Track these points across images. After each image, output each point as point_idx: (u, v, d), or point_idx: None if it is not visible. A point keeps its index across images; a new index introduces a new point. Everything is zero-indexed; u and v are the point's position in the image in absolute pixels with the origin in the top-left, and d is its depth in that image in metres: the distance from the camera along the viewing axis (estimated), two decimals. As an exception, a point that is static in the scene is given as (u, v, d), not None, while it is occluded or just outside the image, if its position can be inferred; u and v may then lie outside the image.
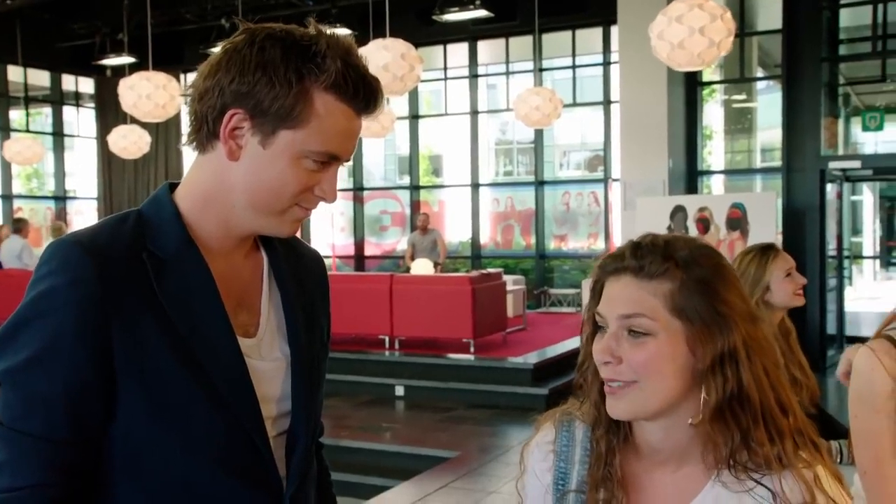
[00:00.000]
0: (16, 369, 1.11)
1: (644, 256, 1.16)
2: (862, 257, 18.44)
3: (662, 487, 1.21)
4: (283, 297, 1.31)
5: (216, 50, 1.20)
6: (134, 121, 9.77)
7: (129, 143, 10.43)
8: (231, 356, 1.19)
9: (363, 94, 1.18)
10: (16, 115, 14.70)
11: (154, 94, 8.01)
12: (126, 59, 12.03)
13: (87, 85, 15.20)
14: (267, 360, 1.26)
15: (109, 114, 13.78)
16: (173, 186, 1.26)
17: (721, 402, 1.13)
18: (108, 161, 14.50)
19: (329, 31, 1.18)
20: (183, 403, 1.15)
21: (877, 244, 20.15)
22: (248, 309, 1.27)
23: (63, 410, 1.11)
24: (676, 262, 1.15)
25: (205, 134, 1.19)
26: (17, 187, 15.12)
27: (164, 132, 13.40)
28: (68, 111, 15.31)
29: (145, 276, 1.15)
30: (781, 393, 1.17)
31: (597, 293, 1.21)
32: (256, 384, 1.21)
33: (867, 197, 19.17)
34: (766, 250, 2.73)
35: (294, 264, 1.35)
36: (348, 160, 1.22)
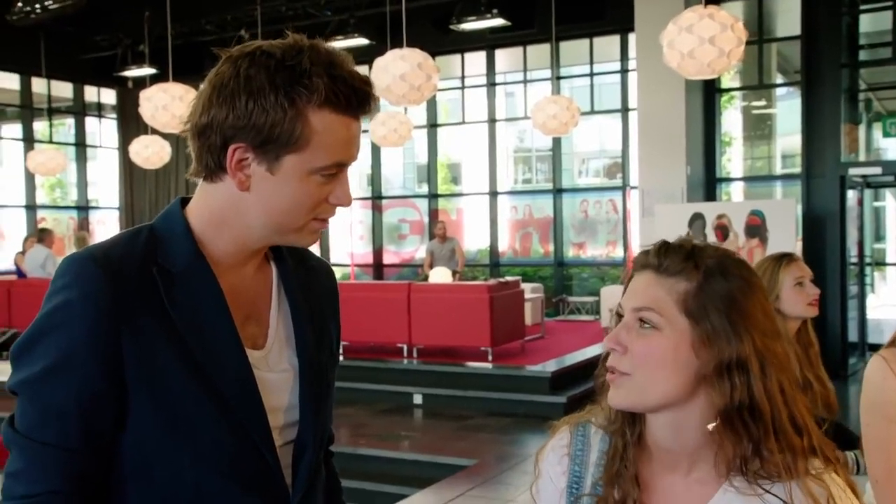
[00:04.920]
0: (32, 380, 1.15)
1: (667, 255, 1.20)
2: (885, 264, 18.22)
3: (675, 491, 1.22)
4: (292, 308, 1.33)
5: (203, 86, 1.23)
6: (155, 131, 9.87)
7: (151, 153, 10.54)
8: (239, 368, 1.22)
9: (356, 101, 1.19)
10: (39, 127, 14.90)
11: (171, 105, 8.10)
12: (147, 71, 12.17)
13: (109, 96, 15.39)
14: (275, 371, 1.28)
15: (131, 124, 13.93)
16: (185, 201, 1.29)
17: (728, 409, 1.15)
18: (129, 171, 14.66)
19: (307, 41, 1.19)
20: (192, 414, 1.18)
21: (901, 250, 19.89)
22: (257, 321, 1.29)
23: (76, 420, 1.14)
24: (697, 265, 1.18)
25: (211, 168, 1.21)
26: (41, 197, 15.31)
27: (184, 143, 13.26)
28: (91, 122, 15.49)
29: (156, 290, 1.18)
30: (796, 411, 1.17)
31: (626, 287, 1.25)
32: (264, 395, 1.23)
33: (891, 203, 18.96)
34: (779, 259, 2.71)
35: (303, 276, 1.37)
36: (354, 161, 1.25)
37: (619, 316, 1.23)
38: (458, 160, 16.81)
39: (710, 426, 1.16)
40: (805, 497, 1.14)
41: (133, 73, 13.24)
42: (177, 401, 1.17)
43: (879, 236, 17.94)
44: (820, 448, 1.18)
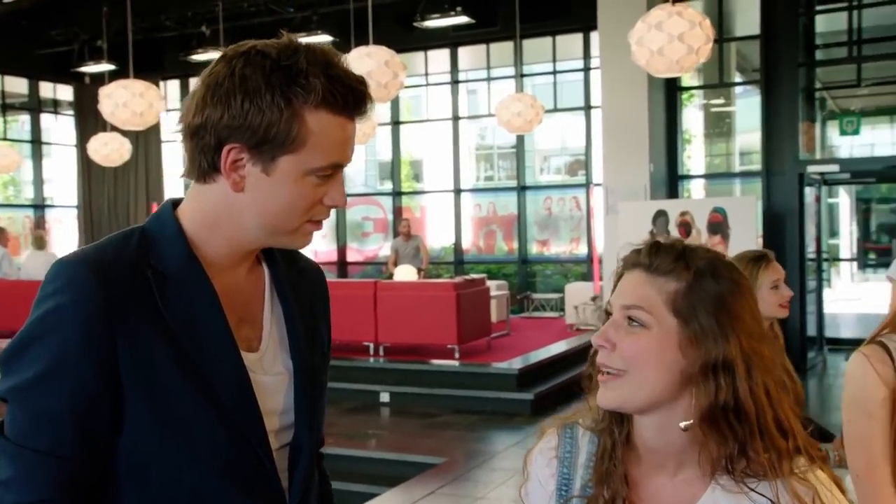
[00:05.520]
0: (23, 387, 1.13)
1: (658, 255, 1.21)
2: (839, 259, 18.64)
3: (663, 492, 1.23)
4: (285, 310, 1.32)
5: (196, 80, 1.21)
6: (115, 128, 9.71)
7: (111, 150, 10.36)
8: (235, 371, 1.21)
9: (353, 101, 1.19)
10: (-7, 123, 14.58)
11: (131, 102, 7.96)
12: (105, 67, 11.95)
13: (65, 92, 15.10)
14: (270, 374, 1.27)
15: (89, 121, 13.68)
16: (177, 203, 1.28)
17: (713, 409, 1.15)
18: (87, 169, 14.42)
19: (303, 41, 1.18)
20: (188, 415, 1.17)
21: (854, 246, 20.39)
22: (251, 323, 1.28)
23: (70, 426, 1.13)
24: (688, 265, 1.18)
25: (204, 169, 1.20)
26: (-6, 195, 15.00)
27: (143, 140, 13.33)
28: (46, 119, 15.18)
29: (150, 293, 1.16)
30: (781, 413, 1.18)
31: (615, 285, 1.25)
32: (260, 398, 1.22)
33: (844, 199, 19.40)
34: (757, 260, 2.74)
35: (295, 277, 1.37)
36: (350, 161, 1.24)
37: (608, 314, 1.24)
38: (420, 157, 16.79)
39: (683, 424, 1.17)
40: (791, 497, 1.16)
41: (91, 68, 12.99)
42: (173, 402, 1.16)
43: (834, 232, 18.36)
44: (805, 448, 1.20)
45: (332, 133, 1.18)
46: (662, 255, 1.20)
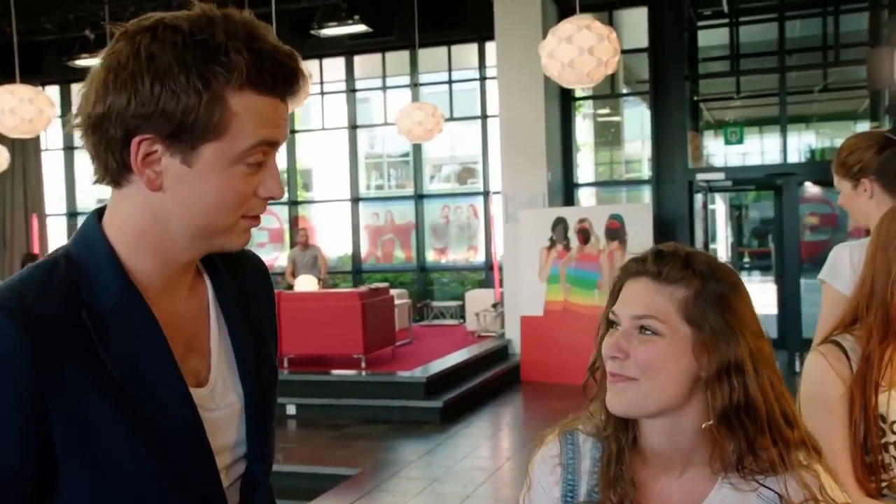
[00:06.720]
0: None
1: (665, 262, 1.22)
2: (717, 263, 19.59)
3: (670, 492, 1.26)
4: (232, 331, 1.18)
5: (95, 63, 1.03)
6: (-7, 135, 9.15)
7: (-13, 159, 9.76)
8: (185, 418, 1.07)
9: (283, 79, 1.03)
10: None
11: (19, 108, 7.50)
12: (-23, 70, 11.27)
13: (-70, 97, 14.13)
14: (221, 408, 1.15)
15: (-42, 128, 12.85)
16: (101, 213, 1.10)
17: (727, 409, 1.19)
18: (-44, 178, 13.55)
19: (219, 12, 1.01)
20: (132, 476, 1.03)
21: (729, 250, 21.43)
22: (198, 351, 1.14)
23: None
24: (695, 272, 1.21)
25: (114, 169, 1.03)
26: None
27: (20, 146, 12.63)
28: None
29: (86, 337, 1.00)
30: (786, 405, 1.24)
31: (615, 294, 1.27)
32: (211, 436, 1.10)
33: (720, 206, 20.36)
34: None
35: (241, 287, 1.23)
36: (283, 142, 1.09)
37: (612, 323, 1.25)
38: (309, 167, 16.60)
39: (704, 425, 1.20)
40: (800, 487, 1.20)
41: (-40, 72, 12.22)
42: (115, 462, 1.02)
43: (712, 237, 19.26)
44: (808, 440, 1.26)
45: (259, 113, 1.02)
46: (669, 262, 1.22)
